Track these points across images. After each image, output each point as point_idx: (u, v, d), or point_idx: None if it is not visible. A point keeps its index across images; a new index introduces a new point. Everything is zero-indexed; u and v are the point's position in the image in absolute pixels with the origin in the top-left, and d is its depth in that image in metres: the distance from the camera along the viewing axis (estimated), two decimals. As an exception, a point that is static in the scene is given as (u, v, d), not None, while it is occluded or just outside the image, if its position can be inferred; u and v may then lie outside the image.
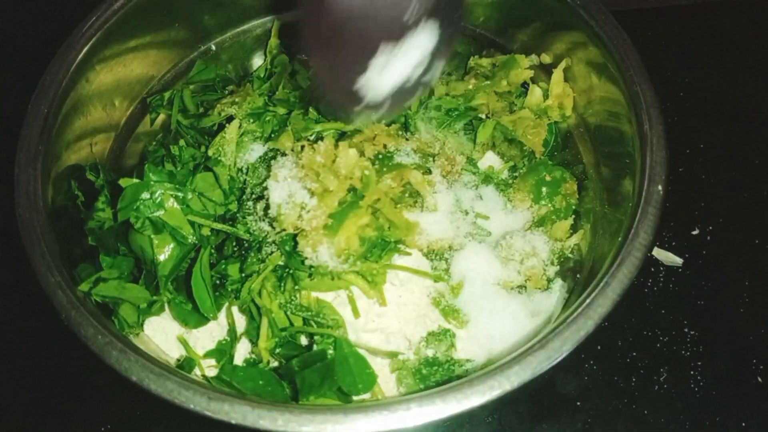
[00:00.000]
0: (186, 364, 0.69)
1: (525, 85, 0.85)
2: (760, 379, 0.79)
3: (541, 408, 0.77)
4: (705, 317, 0.82)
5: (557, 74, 0.81)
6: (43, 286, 0.60)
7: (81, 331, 0.58)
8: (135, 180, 0.67)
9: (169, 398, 0.54)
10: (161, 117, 0.85)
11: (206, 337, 0.72)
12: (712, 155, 0.93)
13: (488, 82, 0.84)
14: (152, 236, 0.66)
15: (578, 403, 0.77)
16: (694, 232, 0.88)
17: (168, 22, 0.84)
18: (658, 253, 0.86)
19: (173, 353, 0.72)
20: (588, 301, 0.58)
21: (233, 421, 0.53)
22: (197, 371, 0.69)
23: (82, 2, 0.78)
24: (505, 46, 0.87)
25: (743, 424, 0.76)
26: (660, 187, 0.64)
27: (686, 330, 0.81)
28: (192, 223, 0.68)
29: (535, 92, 0.83)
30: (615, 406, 0.77)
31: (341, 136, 0.74)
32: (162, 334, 0.72)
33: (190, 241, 0.68)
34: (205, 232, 0.70)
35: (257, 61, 0.93)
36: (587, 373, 0.79)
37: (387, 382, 0.70)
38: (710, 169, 0.92)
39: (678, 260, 0.85)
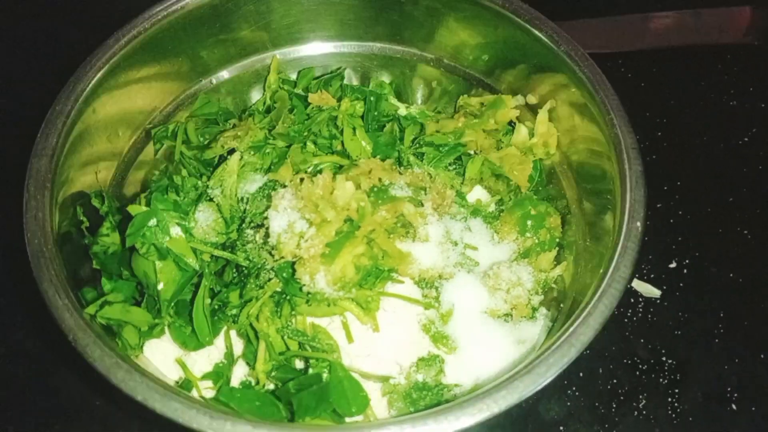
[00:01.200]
0: (184, 386, 0.71)
1: (511, 124, 0.89)
2: (734, 407, 0.82)
3: (526, 433, 0.80)
4: (682, 346, 0.86)
5: (542, 114, 0.85)
6: (51, 309, 0.62)
7: (88, 352, 0.60)
8: (144, 208, 0.70)
9: (173, 417, 0.56)
10: (164, 147, 0.88)
11: (204, 360, 0.74)
12: (689, 192, 0.98)
13: (476, 120, 0.88)
14: (156, 262, 0.69)
15: (561, 428, 0.80)
16: (672, 266, 0.92)
17: (170, 56, 0.87)
18: (638, 284, 0.90)
19: (172, 375, 0.74)
20: (571, 329, 0.61)
21: None
22: (195, 393, 0.71)
23: (90, 36, 0.81)
24: (492, 87, 0.91)
25: (718, 450, 0.80)
26: (639, 224, 0.67)
27: (664, 358, 0.85)
28: (194, 250, 0.71)
29: (521, 131, 0.86)
30: (596, 431, 0.80)
31: (338, 169, 0.77)
32: (161, 356, 0.74)
33: (192, 268, 0.71)
34: (206, 258, 0.73)
35: (256, 95, 0.96)
36: (570, 399, 0.82)
37: (378, 406, 0.72)
38: (687, 205, 0.96)
39: (656, 292, 0.89)
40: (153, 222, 0.70)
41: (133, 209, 0.70)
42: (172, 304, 0.70)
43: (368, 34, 0.93)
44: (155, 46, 0.84)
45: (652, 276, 0.90)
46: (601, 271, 0.66)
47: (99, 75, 0.78)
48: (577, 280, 0.77)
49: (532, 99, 0.87)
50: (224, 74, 0.94)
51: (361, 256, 0.70)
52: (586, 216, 0.80)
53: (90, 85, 0.77)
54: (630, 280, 0.65)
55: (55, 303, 0.62)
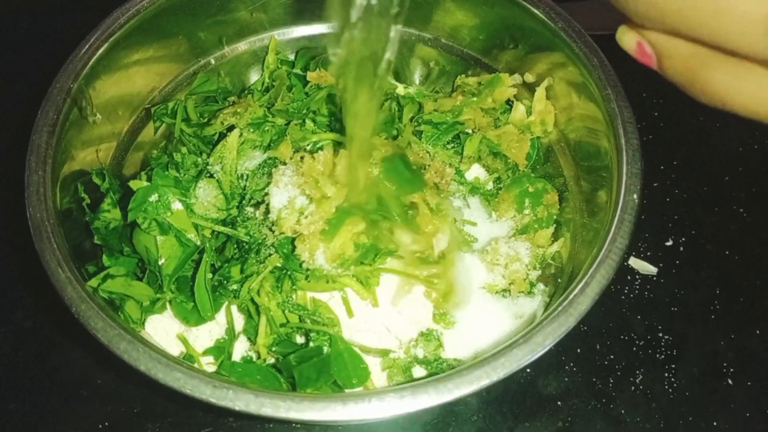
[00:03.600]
0: (186, 360, 0.71)
1: (509, 102, 0.89)
2: (730, 381, 0.83)
3: (524, 407, 0.81)
4: (678, 323, 0.87)
5: (540, 92, 0.85)
6: (53, 281, 0.63)
7: (91, 324, 0.60)
8: (145, 183, 0.70)
9: (176, 386, 0.57)
10: (163, 126, 0.88)
11: (205, 335, 0.75)
12: (685, 171, 0.98)
13: (475, 99, 0.88)
14: (158, 237, 0.70)
15: (559, 403, 0.81)
16: (668, 243, 0.92)
17: (169, 36, 0.87)
18: (634, 262, 0.90)
19: (173, 351, 0.74)
20: (569, 298, 0.62)
21: (237, 408, 0.56)
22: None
23: (89, 16, 0.81)
24: (490, 66, 0.91)
25: (714, 423, 0.80)
26: (635, 196, 0.68)
27: (660, 335, 0.86)
28: (195, 226, 0.72)
29: (519, 109, 0.87)
30: (593, 406, 0.81)
31: (337, 146, 0.78)
32: (162, 332, 0.74)
33: (193, 243, 0.71)
34: (207, 234, 0.73)
35: (254, 75, 0.97)
36: (567, 375, 0.83)
37: (378, 380, 0.73)
38: (683, 183, 0.97)
39: (653, 269, 0.90)
40: (154, 197, 0.70)
41: (134, 184, 0.70)
42: (174, 279, 0.71)
43: (366, 14, 0.93)
44: (154, 25, 0.83)
45: (649, 254, 0.91)
46: (599, 243, 0.66)
47: (99, 52, 0.78)
48: (574, 257, 0.77)
49: (529, 77, 0.88)
50: (223, 54, 0.95)
51: (360, 234, 0.70)
52: (584, 193, 0.80)
53: (90, 63, 0.77)
54: (627, 253, 0.65)
55: (58, 276, 0.63)
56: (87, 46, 0.78)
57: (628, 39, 0.55)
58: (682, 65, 0.56)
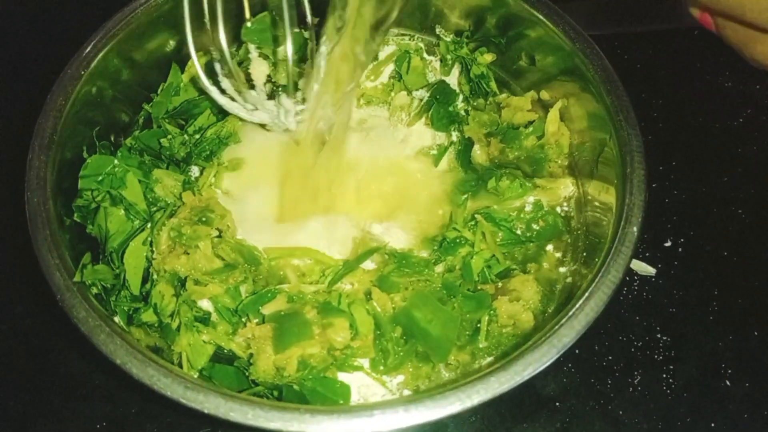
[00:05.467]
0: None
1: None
2: (728, 383, 0.83)
3: (522, 408, 0.81)
4: (676, 324, 0.86)
5: (553, 113, 0.86)
6: (42, 267, 0.64)
7: (73, 312, 0.61)
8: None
9: (149, 383, 0.58)
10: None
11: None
12: (684, 172, 0.98)
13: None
14: (107, 208, 0.71)
15: (557, 404, 0.81)
16: (667, 244, 0.92)
17: (166, 36, 0.87)
18: (633, 263, 0.90)
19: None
20: (555, 328, 0.62)
21: (206, 411, 0.56)
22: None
23: (91, 15, 0.82)
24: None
25: (712, 425, 0.80)
26: (635, 229, 0.68)
27: (659, 335, 0.86)
28: (148, 204, 0.73)
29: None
30: (592, 407, 0.81)
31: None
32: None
33: (141, 217, 0.73)
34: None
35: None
36: (566, 376, 0.83)
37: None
38: (682, 185, 0.97)
39: (651, 270, 0.90)
40: (111, 169, 0.72)
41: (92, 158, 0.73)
42: (119, 254, 0.72)
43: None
44: (167, 16, 0.84)
45: (648, 254, 0.91)
46: (591, 276, 0.67)
47: (113, 42, 0.79)
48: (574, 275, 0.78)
49: (545, 95, 0.88)
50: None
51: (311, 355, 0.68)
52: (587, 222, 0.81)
53: (103, 51, 0.78)
54: (619, 287, 0.66)
55: (47, 261, 0.63)
56: (101, 34, 0.78)
57: (694, 10, 0.87)
58: (734, 36, 0.86)
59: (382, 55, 0.94)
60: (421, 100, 0.91)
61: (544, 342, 0.61)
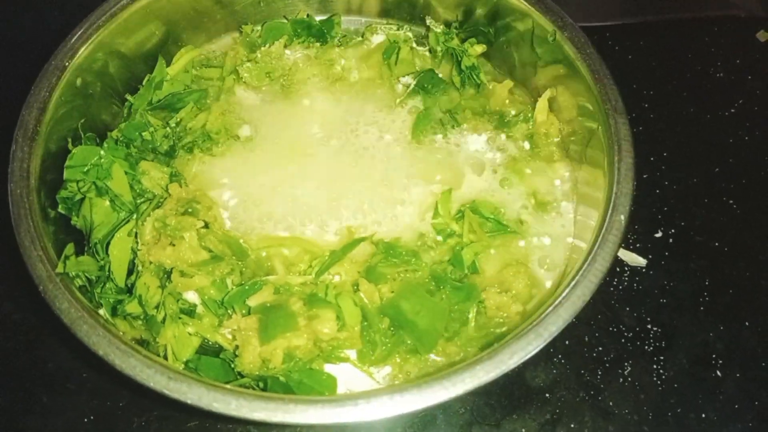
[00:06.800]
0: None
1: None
2: (719, 373, 0.83)
3: (512, 399, 0.81)
4: (667, 314, 0.86)
5: (541, 103, 0.85)
6: (25, 259, 0.63)
7: (56, 304, 0.61)
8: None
9: (131, 374, 0.57)
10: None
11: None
12: (675, 163, 0.98)
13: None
14: (92, 199, 0.70)
15: (547, 395, 0.81)
16: (657, 235, 0.92)
17: (152, 29, 0.87)
18: (624, 254, 0.90)
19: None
20: (539, 319, 0.62)
21: (189, 402, 0.56)
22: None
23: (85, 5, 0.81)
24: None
25: (702, 415, 0.80)
26: (623, 217, 0.67)
27: (649, 326, 0.85)
28: (134, 195, 0.73)
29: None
30: (582, 398, 0.81)
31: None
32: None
33: (127, 208, 0.73)
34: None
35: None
36: (556, 367, 0.83)
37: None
38: (672, 175, 0.97)
39: (642, 261, 0.89)
40: (97, 160, 0.72)
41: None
42: (104, 245, 0.71)
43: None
44: (149, 12, 0.84)
45: (638, 245, 0.91)
46: (579, 263, 0.66)
47: (97, 34, 0.78)
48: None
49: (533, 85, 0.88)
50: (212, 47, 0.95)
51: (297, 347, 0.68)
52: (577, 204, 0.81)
53: (90, 42, 0.78)
54: (606, 275, 0.65)
55: (30, 252, 0.63)
56: (87, 25, 0.78)
57: None
58: None
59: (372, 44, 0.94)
60: (408, 86, 0.90)
61: (530, 331, 0.60)
